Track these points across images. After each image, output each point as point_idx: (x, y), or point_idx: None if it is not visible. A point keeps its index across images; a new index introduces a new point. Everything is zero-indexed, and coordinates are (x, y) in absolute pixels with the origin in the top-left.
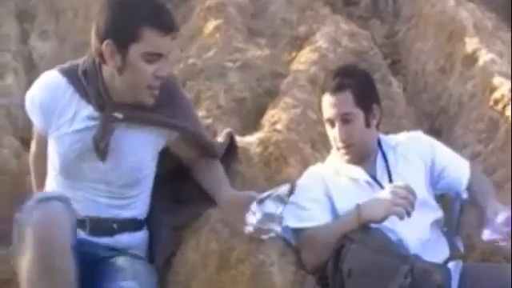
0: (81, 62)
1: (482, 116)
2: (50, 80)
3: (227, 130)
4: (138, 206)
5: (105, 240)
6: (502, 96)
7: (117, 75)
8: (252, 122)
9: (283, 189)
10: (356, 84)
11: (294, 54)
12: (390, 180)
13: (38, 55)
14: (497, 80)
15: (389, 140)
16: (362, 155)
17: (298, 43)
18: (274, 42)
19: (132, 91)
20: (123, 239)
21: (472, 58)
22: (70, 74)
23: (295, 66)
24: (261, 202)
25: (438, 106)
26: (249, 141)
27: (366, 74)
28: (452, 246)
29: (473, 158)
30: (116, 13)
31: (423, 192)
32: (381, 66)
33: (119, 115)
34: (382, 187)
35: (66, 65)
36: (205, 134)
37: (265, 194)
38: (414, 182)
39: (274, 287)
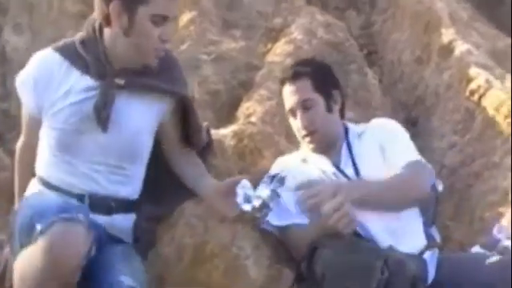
0: (77, 36)
1: (458, 106)
2: (43, 57)
3: (204, 123)
4: (134, 183)
5: (102, 219)
6: (478, 87)
7: (122, 37)
8: (226, 115)
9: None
10: (313, 71)
11: (269, 45)
12: (356, 169)
13: (12, 49)
14: (473, 71)
15: (355, 128)
16: (327, 143)
17: (274, 35)
18: (249, 34)
19: (137, 53)
20: (118, 220)
21: (448, 49)
22: (64, 49)
23: (270, 57)
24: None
25: (415, 97)
26: (223, 133)
27: (323, 63)
28: (429, 237)
29: (449, 148)
30: None
31: None
32: (356, 57)
33: (120, 81)
34: (346, 177)
35: (60, 42)
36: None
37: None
38: (376, 168)
39: (249, 280)
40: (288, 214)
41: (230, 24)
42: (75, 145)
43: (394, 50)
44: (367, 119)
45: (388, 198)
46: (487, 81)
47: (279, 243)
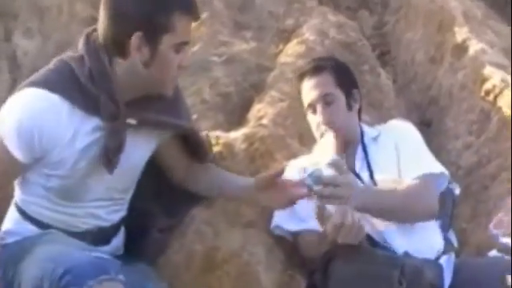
0: (71, 61)
1: (473, 107)
2: (40, 103)
3: (204, 133)
4: (126, 205)
5: (103, 249)
6: (494, 86)
7: (140, 69)
8: (238, 118)
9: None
10: (334, 65)
11: (280, 46)
12: (370, 172)
13: (22, 53)
14: (488, 70)
15: (371, 131)
16: (346, 142)
17: (285, 36)
18: (260, 35)
19: (155, 85)
20: (116, 242)
21: (462, 48)
22: (62, 88)
23: (282, 59)
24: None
25: (428, 97)
26: (234, 137)
27: (343, 61)
28: (446, 241)
29: (464, 149)
30: (145, 1)
31: None
32: (369, 57)
33: (133, 121)
34: (360, 179)
35: (48, 76)
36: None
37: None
38: (390, 174)
39: (260, 287)
40: (300, 219)
41: (242, 25)
42: (80, 190)
43: (407, 50)
44: (381, 120)
45: (397, 213)
46: (503, 80)
47: (292, 248)
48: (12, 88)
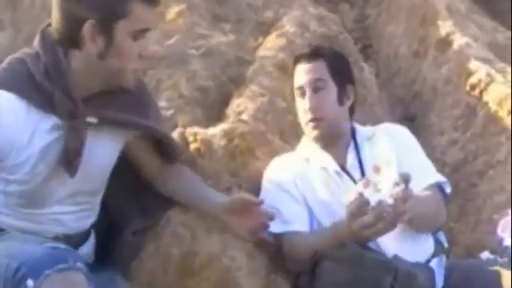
0: (26, 58)
1: (458, 101)
2: None
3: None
4: (96, 210)
5: None
6: (479, 81)
7: (96, 61)
8: (216, 113)
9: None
10: (331, 54)
11: (260, 39)
12: (362, 171)
13: None
14: (473, 64)
15: (364, 131)
16: (332, 136)
17: (265, 29)
18: (239, 27)
19: (113, 77)
20: (83, 250)
21: (446, 42)
22: (17, 85)
23: (261, 52)
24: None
25: (412, 92)
26: (212, 133)
27: (343, 55)
28: (436, 242)
29: (450, 145)
30: None
31: None
32: (352, 51)
33: (93, 120)
34: (351, 177)
35: (3, 74)
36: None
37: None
38: (387, 175)
39: None
40: (284, 221)
41: (220, 18)
42: (41, 195)
43: (389, 44)
44: (364, 116)
45: (426, 221)
46: (488, 74)
47: (275, 252)
48: None
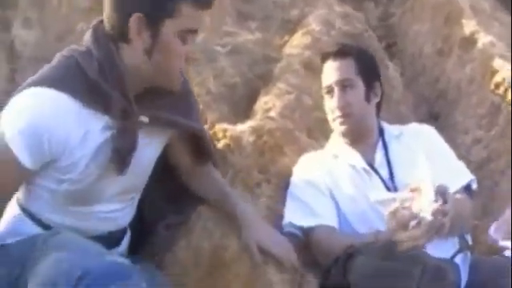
0: (78, 55)
1: (482, 100)
2: (47, 104)
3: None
4: (135, 207)
5: (115, 251)
6: (503, 79)
7: (143, 57)
8: (243, 109)
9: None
10: (359, 52)
11: (286, 37)
12: (390, 170)
13: (21, 44)
14: (497, 63)
15: (392, 129)
16: (359, 132)
17: (291, 27)
18: (265, 25)
19: (160, 77)
20: (124, 244)
21: (470, 41)
22: (69, 84)
23: (288, 50)
24: None
25: (436, 90)
26: (241, 129)
27: (370, 53)
28: (460, 239)
29: (474, 143)
30: None
31: None
32: (377, 49)
33: (145, 119)
34: (379, 175)
35: (54, 73)
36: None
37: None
38: (413, 176)
39: (270, 287)
40: (314, 214)
41: (246, 15)
42: (91, 194)
43: (414, 43)
44: (389, 114)
45: (464, 224)
46: None
47: (303, 246)
48: (10, 79)
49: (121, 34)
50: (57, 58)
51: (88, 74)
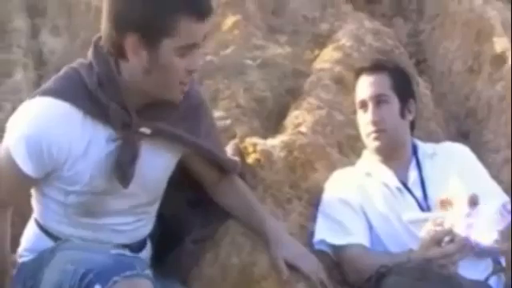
0: (81, 68)
1: None
2: (50, 113)
3: (233, 142)
4: (154, 217)
5: None
6: None
7: (141, 74)
8: (274, 124)
9: None
10: (394, 68)
11: (316, 52)
12: (424, 189)
13: (49, 51)
14: None
15: (426, 147)
16: (392, 148)
17: (320, 41)
18: (294, 39)
19: (160, 91)
20: (142, 256)
21: (501, 59)
22: (72, 94)
23: (318, 64)
24: None
25: (466, 108)
26: (272, 144)
27: (405, 69)
28: (494, 261)
29: (505, 163)
30: (143, 1)
31: None
32: (408, 65)
33: (146, 131)
34: (412, 195)
35: (59, 84)
36: (223, 153)
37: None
38: (451, 194)
39: None
40: (346, 232)
41: (275, 29)
42: (100, 206)
43: (444, 60)
44: (419, 131)
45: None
46: None
47: (334, 265)
48: (38, 85)
49: (119, 52)
50: (63, 70)
51: (88, 86)
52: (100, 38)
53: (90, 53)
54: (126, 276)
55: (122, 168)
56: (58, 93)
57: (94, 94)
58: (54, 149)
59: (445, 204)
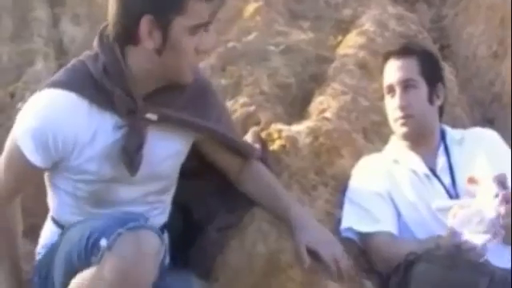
0: (87, 59)
1: None
2: (55, 104)
3: (253, 129)
4: (169, 205)
5: None
6: None
7: (153, 57)
8: (298, 110)
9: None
10: (422, 52)
11: (339, 37)
12: (452, 175)
13: (69, 40)
14: None
15: (454, 134)
16: (420, 134)
17: (343, 27)
18: (317, 25)
19: (170, 73)
20: None
21: None
22: (79, 85)
23: (342, 50)
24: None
25: (491, 94)
26: (297, 130)
27: (434, 53)
28: None
29: None
30: None
31: None
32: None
33: (153, 117)
34: (441, 182)
35: (65, 75)
36: (238, 137)
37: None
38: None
39: None
40: (374, 220)
41: (297, 15)
42: (111, 195)
43: (468, 45)
44: (444, 116)
45: None
46: None
47: (361, 253)
48: None
49: (128, 37)
50: (71, 62)
51: (94, 75)
52: (104, 28)
53: (95, 43)
54: (129, 228)
55: (129, 155)
56: (64, 84)
57: (100, 82)
58: (59, 140)
59: (472, 181)
